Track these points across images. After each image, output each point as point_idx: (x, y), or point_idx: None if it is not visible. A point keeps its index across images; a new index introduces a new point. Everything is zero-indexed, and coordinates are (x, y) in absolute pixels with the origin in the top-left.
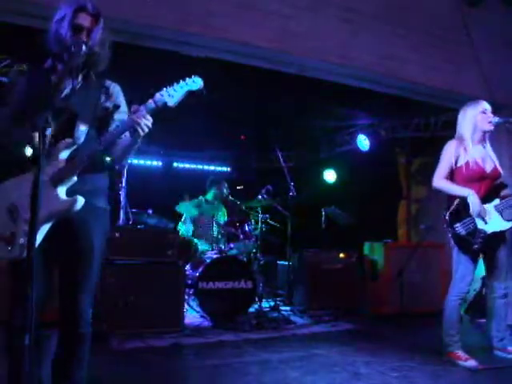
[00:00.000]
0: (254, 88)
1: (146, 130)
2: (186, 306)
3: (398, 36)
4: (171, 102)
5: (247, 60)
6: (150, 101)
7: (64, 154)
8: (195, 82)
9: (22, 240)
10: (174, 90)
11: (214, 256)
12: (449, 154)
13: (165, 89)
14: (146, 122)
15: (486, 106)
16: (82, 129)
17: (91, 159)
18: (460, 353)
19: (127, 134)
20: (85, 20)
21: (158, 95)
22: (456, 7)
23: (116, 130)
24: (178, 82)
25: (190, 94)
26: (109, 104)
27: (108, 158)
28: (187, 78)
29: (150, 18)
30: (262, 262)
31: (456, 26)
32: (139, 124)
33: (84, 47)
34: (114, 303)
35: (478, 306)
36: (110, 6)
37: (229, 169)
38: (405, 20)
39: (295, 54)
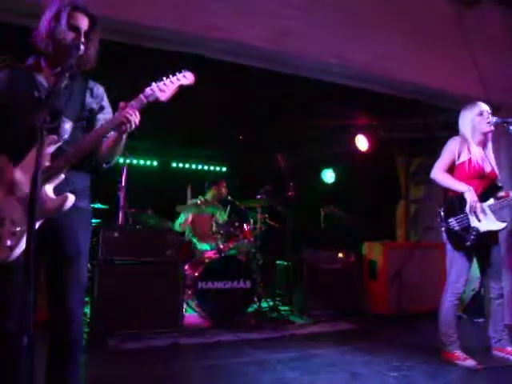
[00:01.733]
0: (252, 87)
1: (133, 126)
2: (184, 305)
3: (395, 36)
4: (163, 97)
5: (244, 60)
6: (141, 96)
7: (48, 151)
8: (186, 77)
9: (8, 242)
10: (165, 85)
11: (213, 256)
12: (452, 149)
13: (154, 83)
14: (135, 118)
15: (483, 107)
16: (67, 126)
17: (77, 157)
18: (458, 352)
19: (112, 132)
20: (82, 21)
21: (148, 90)
22: (453, 7)
23: (101, 129)
24: (167, 77)
25: (182, 90)
26: (94, 105)
27: (94, 158)
28: (177, 73)
29: (148, 18)
30: (260, 262)
31: (453, 26)
32: (129, 120)
33: (82, 48)
34: (113, 303)
35: (476, 306)
36: (108, 6)
37: (227, 168)
38: (402, 20)
39: (292, 54)
